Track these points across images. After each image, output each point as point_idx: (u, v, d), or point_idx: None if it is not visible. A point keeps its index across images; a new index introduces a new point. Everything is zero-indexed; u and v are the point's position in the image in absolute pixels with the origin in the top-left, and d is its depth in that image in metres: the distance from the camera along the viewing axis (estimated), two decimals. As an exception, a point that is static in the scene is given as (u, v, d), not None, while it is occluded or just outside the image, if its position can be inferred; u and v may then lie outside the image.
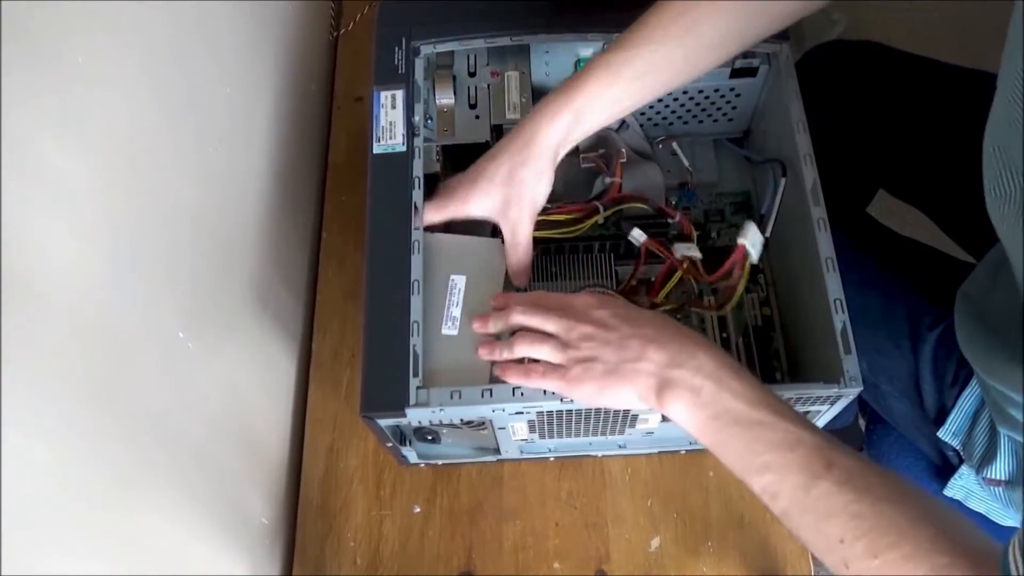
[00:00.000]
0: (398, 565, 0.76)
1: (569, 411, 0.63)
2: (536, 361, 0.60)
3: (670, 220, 0.71)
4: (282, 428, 0.80)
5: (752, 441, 0.52)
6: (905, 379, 0.72)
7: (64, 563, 0.45)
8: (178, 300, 0.58)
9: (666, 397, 0.55)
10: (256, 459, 0.74)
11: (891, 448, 0.85)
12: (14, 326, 0.39)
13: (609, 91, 0.63)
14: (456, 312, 0.65)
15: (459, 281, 0.66)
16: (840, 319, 0.62)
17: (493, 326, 0.63)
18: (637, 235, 0.71)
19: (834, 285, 0.63)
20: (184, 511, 0.60)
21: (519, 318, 0.61)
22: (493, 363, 0.62)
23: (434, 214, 0.67)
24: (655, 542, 0.76)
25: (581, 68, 0.65)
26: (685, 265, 0.70)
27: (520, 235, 0.67)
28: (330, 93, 0.96)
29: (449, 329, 0.64)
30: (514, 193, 0.65)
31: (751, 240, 0.67)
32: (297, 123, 0.85)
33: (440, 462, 0.77)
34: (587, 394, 0.57)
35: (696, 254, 0.70)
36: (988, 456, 0.68)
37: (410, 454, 0.72)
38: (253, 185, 0.73)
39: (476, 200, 0.66)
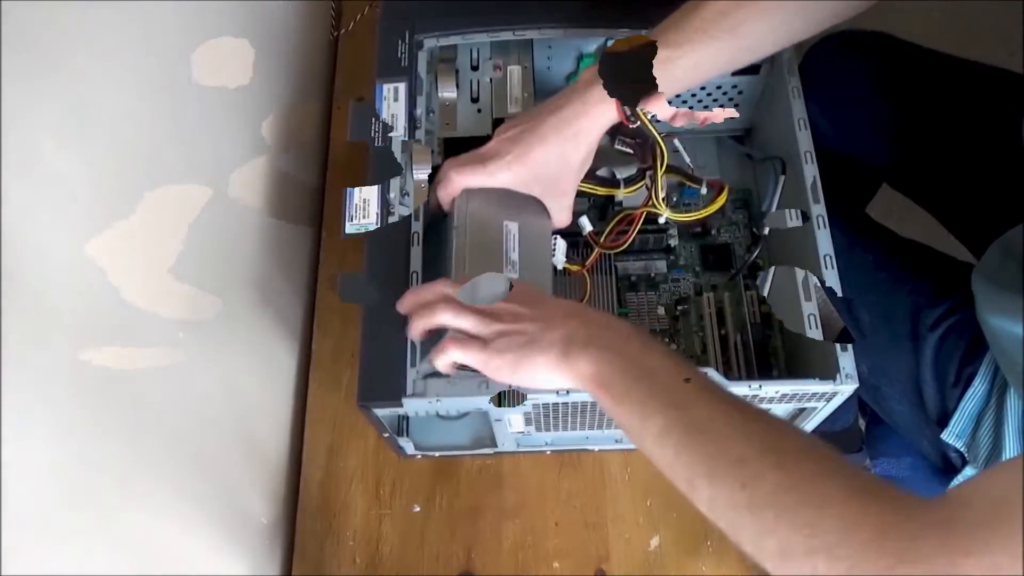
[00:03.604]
0: (397, 565, 0.76)
1: (565, 404, 0.63)
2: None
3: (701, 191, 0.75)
4: (282, 428, 0.80)
5: (654, 386, 0.51)
6: (906, 381, 0.72)
7: (64, 563, 0.45)
8: (178, 300, 0.58)
9: (573, 354, 0.54)
10: (256, 459, 0.74)
11: (891, 449, 0.84)
12: (14, 326, 0.40)
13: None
14: (515, 256, 0.66)
15: (513, 227, 0.67)
16: (838, 317, 0.62)
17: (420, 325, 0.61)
18: (583, 223, 0.74)
19: (831, 282, 0.63)
20: (184, 511, 0.61)
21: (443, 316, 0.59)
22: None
23: (471, 178, 0.67)
24: (655, 542, 0.76)
25: None
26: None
27: (565, 203, 0.69)
28: (330, 93, 0.96)
29: (511, 272, 0.65)
30: (564, 172, 0.67)
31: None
32: (297, 123, 0.85)
33: (437, 454, 0.77)
34: (505, 364, 0.56)
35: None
36: (994, 457, 0.67)
37: (407, 445, 0.72)
38: (253, 185, 0.73)
39: (521, 179, 0.66)
